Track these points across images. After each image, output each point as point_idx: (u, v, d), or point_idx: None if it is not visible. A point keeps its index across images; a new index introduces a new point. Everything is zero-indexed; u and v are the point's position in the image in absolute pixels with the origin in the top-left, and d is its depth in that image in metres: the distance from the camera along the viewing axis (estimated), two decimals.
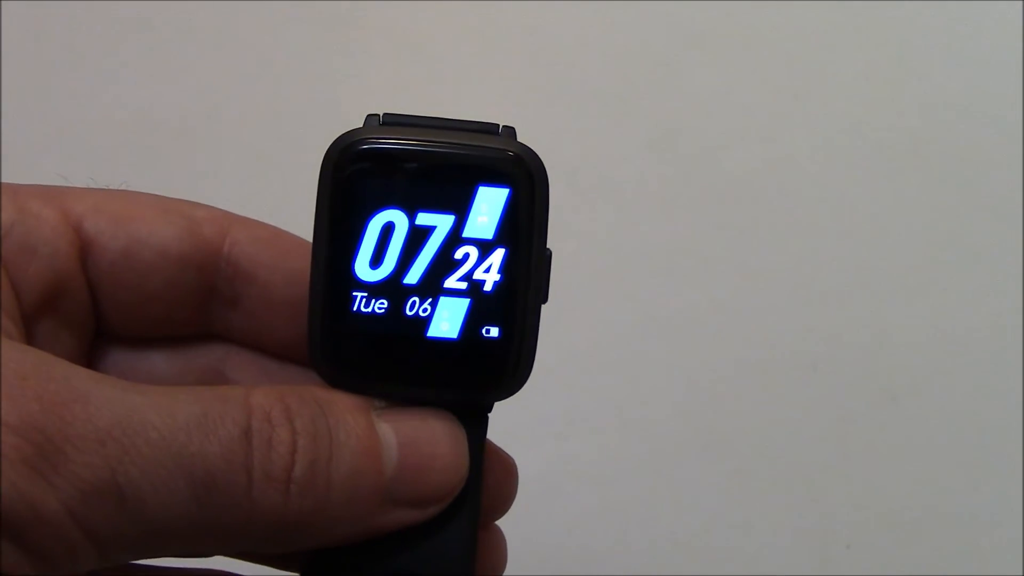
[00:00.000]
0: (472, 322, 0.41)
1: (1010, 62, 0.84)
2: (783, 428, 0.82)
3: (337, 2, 0.87)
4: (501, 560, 0.49)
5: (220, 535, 0.38)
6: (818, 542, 0.81)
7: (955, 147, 0.84)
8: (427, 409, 0.42)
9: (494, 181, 0.41)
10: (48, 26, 0.88)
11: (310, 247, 0.42)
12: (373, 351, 0.42)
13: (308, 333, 0.42)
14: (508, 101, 0.86)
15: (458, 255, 0.41)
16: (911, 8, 0.85)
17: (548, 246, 0.43)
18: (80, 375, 0.37)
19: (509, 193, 0.41)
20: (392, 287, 0.41)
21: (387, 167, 0.41)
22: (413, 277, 0.41)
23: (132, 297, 0.45)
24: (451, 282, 0.41)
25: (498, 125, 0.42)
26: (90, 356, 0.46)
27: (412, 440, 0.41)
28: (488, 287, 0.41)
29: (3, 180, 0.44)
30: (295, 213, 0.45)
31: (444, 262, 0.41)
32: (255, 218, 0.47)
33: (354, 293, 0.41)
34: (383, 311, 0.41)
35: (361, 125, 0.42)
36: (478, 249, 0.41)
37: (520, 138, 0.43)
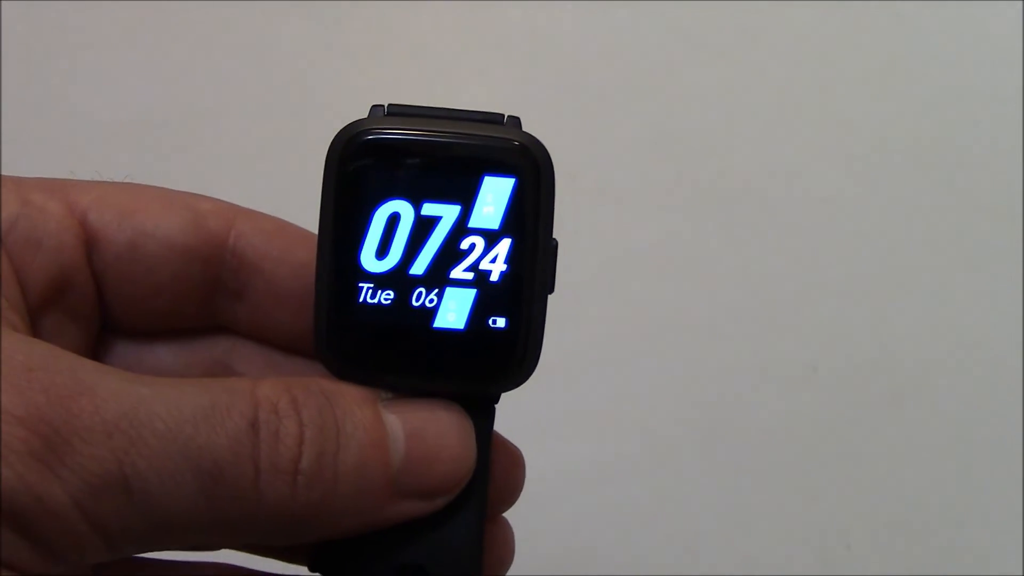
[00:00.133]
0: (479, 313, 0.41)
1: (1010, 62, 0.84)
2: (783, 429, 0.82)
3: (338, 1, 0.87)
4: (509, 552, 0.49)
5: (227, 527, 0.38)
6: (818, 542, 0.81)
7: (955, 147, 0.85)
8: (434, 400, 0.42)
9: (499, 171, 0.41)
10: (48, 26, 0.88)
11: (315, 239, 0.41)
12: (379, 342, 0.41)
13: (314, 325, 0.42)
14: (508, 101, 0.84)
15: (464, 245, 0.41)
16: (911, 8, 0.85)
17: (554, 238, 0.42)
18: (86, 367, 0.37)
19: (515, 183, 0.41)
20: (398, 278, 0.41)
21: (392, 158, 0.41)
22: (419, 268, 0.41)
23: (137, 290, 0.45)
24: (457, 272, 0.41)
25: (503, 115, 0.42)
26: (96, 349, 0.46)
27: (419, 431, 0.41)
28: (495, 277, 0.41)
29: (7, 174, 0.44)
30: (300, 206, 0.45)
31: (450, 252, 0.41)
32: (261, 211, 0.47)
33: (360, 284, 0.41)
34: (389, 302, 0.41)
35: (366, 116, 0.42)
36: (484, 239, 0.41)
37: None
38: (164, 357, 0.47)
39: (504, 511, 0.48)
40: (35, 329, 0.42)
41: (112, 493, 0.35)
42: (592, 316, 0.83)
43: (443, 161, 0.41)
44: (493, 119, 0.42)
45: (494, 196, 0.41)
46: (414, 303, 0.41)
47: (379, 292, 0.41)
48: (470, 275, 0.41)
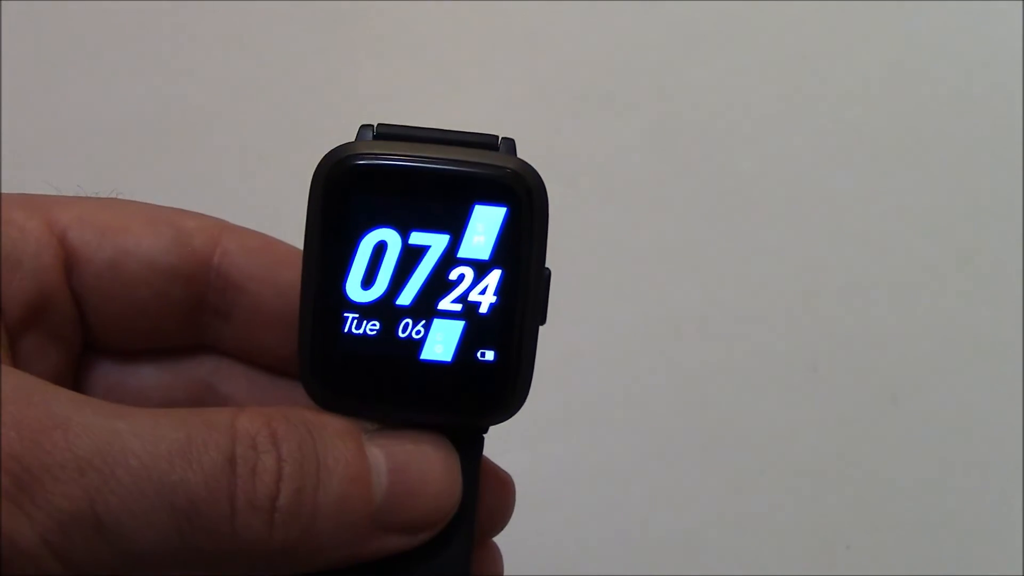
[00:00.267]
0: (467, 345, 0.40)
1: (1010, 62, 0.84)
2: (783, 428, 0.82)
3: (337, 2, 0.87)
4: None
5: (203, 563, 0.37)
6: (818, 542, 0.81)
7: (955, 147, 0.84)
8: (420, 432, 0.41)
9: (490, 199, 0.39)
10: (48, 26, 0.88)
11: (302, 257, 0.41)
12: (364, 373, 0.41)
13: (299, 354, 0.41)
14: (508, 101, 0.85)
15: (453, 276, 0.40)
16: (911, 8, 0.85)
17: (548, 261, 0.42)
18: (61, 399, 0.36)
19: (506, 212, 0.39)
20: (384, 308, 0.40)
21: (379, 185, 0.39)
22: (406, 298, 0.40)
23: (119, 310, 0.44)
24: (445, 304, 0.40)
25: (497, 137, 0.41)
26: (78, 370, 0.45)
27: (403, 465, 0.40)
28: (484, 309, 0.40)
29: (3, 180, 0.43)
30: (295, 215, 0.44)
31: (438, 283, 0.40)
32: (256, 219, 0.47)
33: (345, 314, 0.40)
34: (375, 333, 0.40)
35: (354, 136, 0.41)
36: (473, 270, 0.40)
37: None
38: (148, 377, 0.46)
39: (494, 536, 0.48)
40: (14, 351, 0.41)
41: (83, 531, 0.35)
42: (591, 316, 0.83)
43: (432, 189, 0.40)
44: (486, 142, 0.41)
45: (485, 225, 0.39)
46: (400, 334, 0.40)
47: (365, 323, 0.40)
48: (458, 307, 0.40)
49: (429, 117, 0.43)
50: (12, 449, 0.34)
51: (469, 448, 0.42)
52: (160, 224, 0.44)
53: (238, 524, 0.37)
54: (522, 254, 0.40)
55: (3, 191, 0.43)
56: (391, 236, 0.39)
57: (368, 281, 0.40)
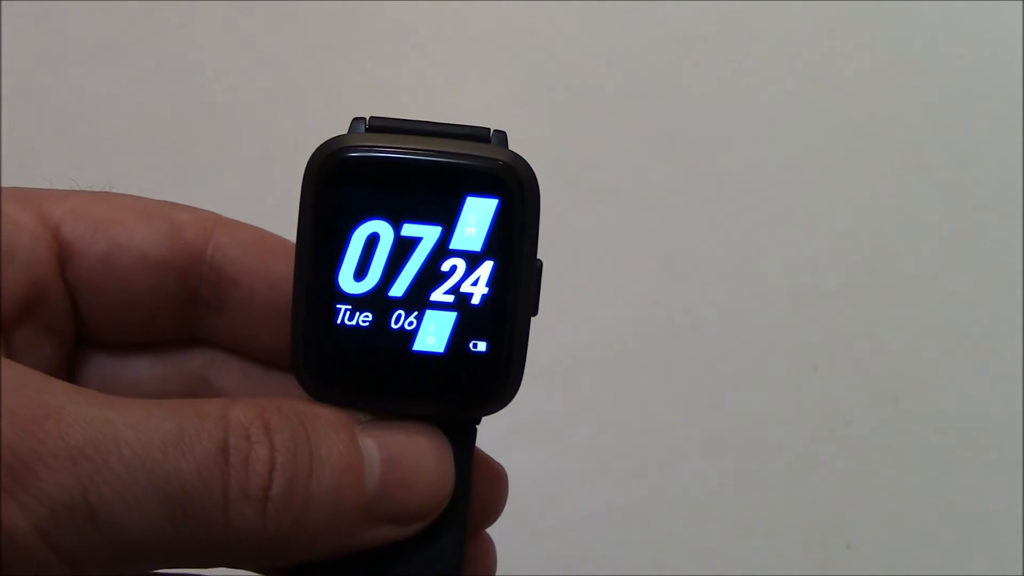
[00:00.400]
0: (459, 336, 0.40)
1: (1010, 62, 0.84)
2: (783, 428, 0.82)
3: (336, 1, 0.87)
4: (491, 568, 0.48)
5: (196, 553, 0.37)
6: (818, 542, 0.81)
7: (955, 147, 0.84)
8: (412, 423, 0.41)
9: (482, 191, 0.39)
10: (46, 25, 0.88)
11: (294, 249, 0.41)
12: (357, 365, 0.41)
13: (291, 346, 0.41)
14: (508, 101, 0.86)
15: (445, 267, 0.40)
16: (911, 8, 0.85)
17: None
18: (54, 390, 0.36)
19: (498, 203, 0.39)
20: (377, 300, 0.40)
21: (372, 177, 0.40)
22: (398, 290, 0.40)
23: (113, 303, 0.44)
24: (437, 295, 0.40)
25: (488, 130, 0.41)
26: (72, 363, 0.45)
27: (396, 456, 0.40)
28: (476, 300, 0.40)
29: (3, 180, 0.43)
30: (289, 208, 0.44)
31: (430, 275, 0.40)
32: (256, 216, 0.46)
33: (338, 306, 0.40)
34: (367, 324, 0.40)
35: (346, 129, 0.41)
36: (466, 261, 0.40)
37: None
38: (141, 370, 0.46)
39: (486, 527, 0.48)
40: (8, 344, 0.41)
41: (76, 520, 0.35)
42: (591, 316, 0.83)
43: (424, 181, 0.40)
44: (478, 135, 0.41)
45: (476, 217, 0.40)
46: (393, 326, 0.40)
47: (357, 314, 0.40)
48: (451, 298, 0.40)
49: (427, 116, 0.43)
50: (5, 439, 0.34)
51: (462, 439, 0.42)
52: (153, 217, 0.44)
53: (231, 513, 0.37)
54: (514, 245, 0.40)
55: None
56: (383, 228, 0.39)
57: (360, 273, 0.40)
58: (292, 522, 0.38)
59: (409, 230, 0.40)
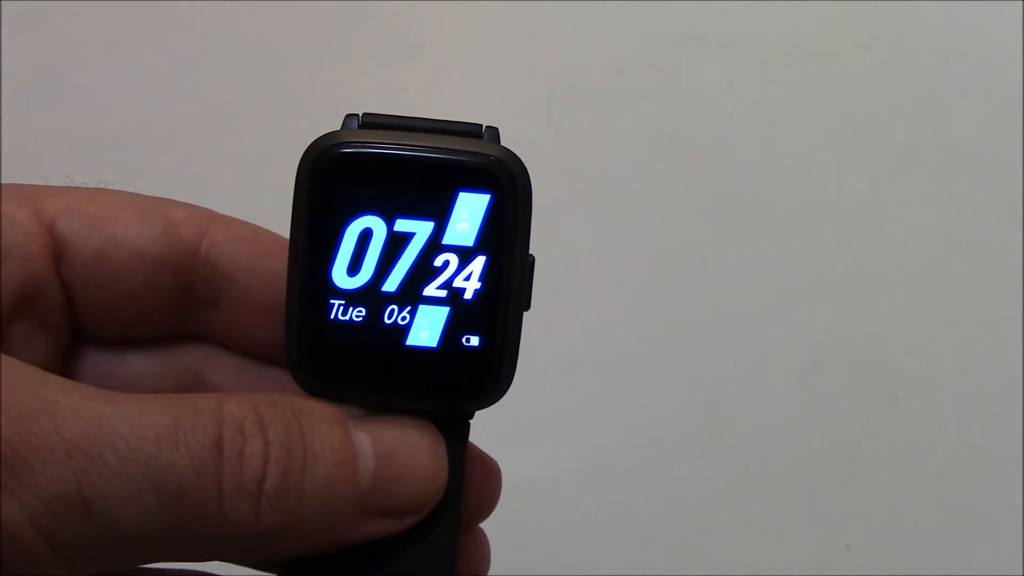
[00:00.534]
0: (452, 331, 0.40)
1: (1010, 62, 0.84)
2: (783, 428, 0.82)
3: (336, 1, 0.87)
4: (484, 562, 0.48)
5: (191, 546, 0.38)
6: (818, 542, 0.81)
7: (955, 147, 0.84)
8: (406, 418, 0.41)
9: (474, 187, 0.40)
10: (45, 25, 0.88)
11: (288, 245, 0.41)
12: (351, 359, 0.41)
13: (285, 341, 0.41)
14: (508, 101, 0.86)
15: (438, 263, 0.40)
16: (911, 8, 0.85)
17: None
18: (50, 384, 0.36)
19: (490, 199, 0.40)
20: (370, 295, 0.40)
21: (364, 172, 0.40)
22: (391, 285, 0.40)
23: (108, 298, 0.44)
24: (430, 290, 0.40)
25: (481, 126, 0.41)
26: (67, 358, 0.45)
27: (389, 450, 0.40)
28: (468, 295, 0.40)
29: (2, 179, 0.43)
30: (283, 205, 0.44)
31: (423, 270, 0.40)
32: (251, 213, 0.47)
33: (331, 301, 0.40)
34: (361, 319, 0.40)
35: (340, 126, 0.41)
36: (458, 256, 0.40)
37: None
38: (136, 366, 0.46)
39: (480, 522, 0.48)
40: (3, 339, 0.42)
41: (71, 513, 0.35)
42: (591, 315, 0.83)
43: (417, 176, 0.40)
44: (471, 131, 0.41)
45: (469, 212, 0.40)
46: (386, 320, 0.40)
47: (351, 309, 0.40)
48: (443, 293, 0.40)
49: (425, 115, 0.43)
50: (1, 432, 0.34)
51: (455, 434, 0.42)
52: (148, 213, 0.44)
53: (225, 507, 0.37)
54: (506, 240, 0.40)
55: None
56: (376, 223, 0.40)
57: (354, 268, 0.40)
58: (286, 516, 0.38)
59: (402, 225, 0.40)
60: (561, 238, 0.80)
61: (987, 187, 0.84)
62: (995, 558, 0.80)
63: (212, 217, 0.45)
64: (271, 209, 0.46)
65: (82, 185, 0.45)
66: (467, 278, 0.40)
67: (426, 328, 0.40)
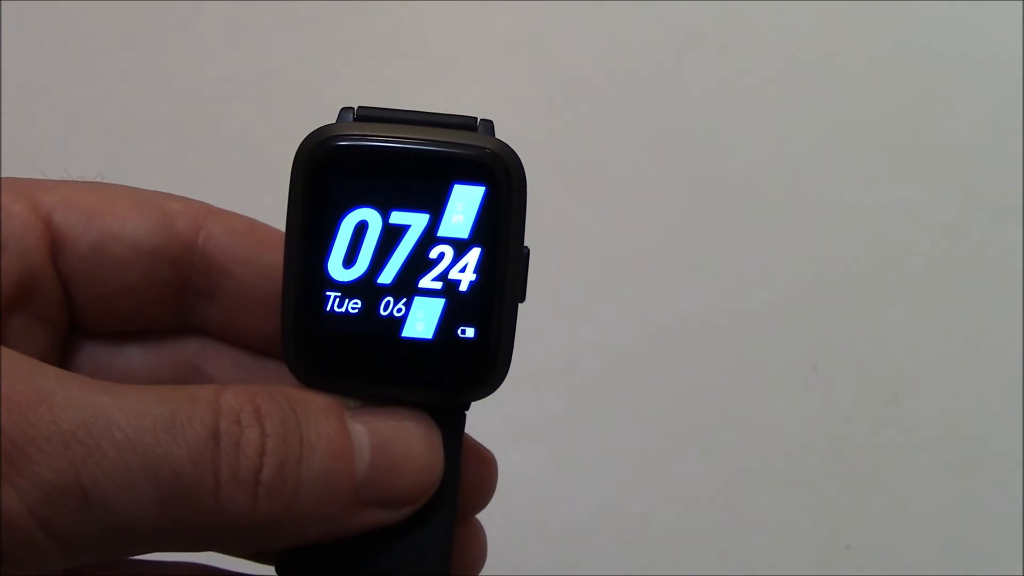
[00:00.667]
0: (447, 322, 0.41)
1: (1010, 62, 0.84)
2: (783, 428, 0.82)
3: (336, 1, 0.87)
4: (481, 553, 0.48)
5: (187, 536, 0.38)
6: (818, 542, 0.80)
7: (955, 147, 0.84)
8: (402, 409, 0.41)
9: (469, 179, 0.40)
10: (43, 24, 0.88)
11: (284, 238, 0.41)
12: (347, 351, 0.41)
13: (281, 333, 0.41)
14: (508, 101, 0.86)
15: (433, 255, 0.40)
16: (911, 8, 0.85)
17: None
18: (47, 375, 0.36)
19: (485, 191, 0.40)
20: (366, 287, 0.40)
21: (360, 165, 0.40)
22: (387, 277, 0.40)
23: (105, 291, 0.44)
24: (426, 282, 0.40)
25: (476, 119, 0.42)
26: (65, 351, 0.45)
27: (385, 441, 0.40)
28: (464, 287, 0.40)
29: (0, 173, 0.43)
30: (280, 199, 0.44)
31: (419, 262, 0.40)
32: (250, 207, 0.47)
33: (327, 293, 0.40)
34: (357, 311, 0.40)
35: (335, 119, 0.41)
36: (453, 248, 0.40)
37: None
38: (133, 359, 0.46)
39: (476, 513, 0.48)
40: (1, 332, 0.42)
41: (69, 503, 0.35)
42: (591, 315, 0.83)
43: (412, 169, 0.40)
44: (466, 124, 0.41)
45: (464, 205, 0.40)
46: (382, 312, 0.40)
47: (346, 301, 0.40)
48: (439, 285, 0.40)
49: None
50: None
51: (451, 425, 0.42)
52: (145, 206, 0.44)
53: (222, 497, 0.37)
54: (501, 232, 0.40)
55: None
56: (372, 216, 0.40)
57: (349, 260, 0.40)
58: (283, 506, 0.38)
59: (397, 218, 0.40)
60: (561, 238, 0.80)
61: (987, 187, 0.84)
62: (995, 558, 0.80)
63: (208, 210, 0.45)
64: (268, 202, 0.46)
65: (79, 179, 0.45)
66: (462, 270, 0.40)
67: (422, 320, 0.41)
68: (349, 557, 0.42)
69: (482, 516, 0.48)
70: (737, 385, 0.82)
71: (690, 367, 0.83)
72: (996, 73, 0.85)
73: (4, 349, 0.37)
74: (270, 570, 0.45)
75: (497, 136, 0.41)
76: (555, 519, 0.80)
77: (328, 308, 0.40)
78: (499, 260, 0.40)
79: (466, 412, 0.43)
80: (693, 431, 0.82)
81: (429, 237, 0.40)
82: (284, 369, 0.42)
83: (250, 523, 0.38)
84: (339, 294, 0.40)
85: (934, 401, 0.82)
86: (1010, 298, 0.82)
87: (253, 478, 0.37)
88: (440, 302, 0.40)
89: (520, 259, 0.41)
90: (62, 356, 0.45)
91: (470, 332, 0.41)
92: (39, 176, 0.45)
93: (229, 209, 0.47)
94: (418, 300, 0.40)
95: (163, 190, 0.46)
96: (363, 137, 0.40)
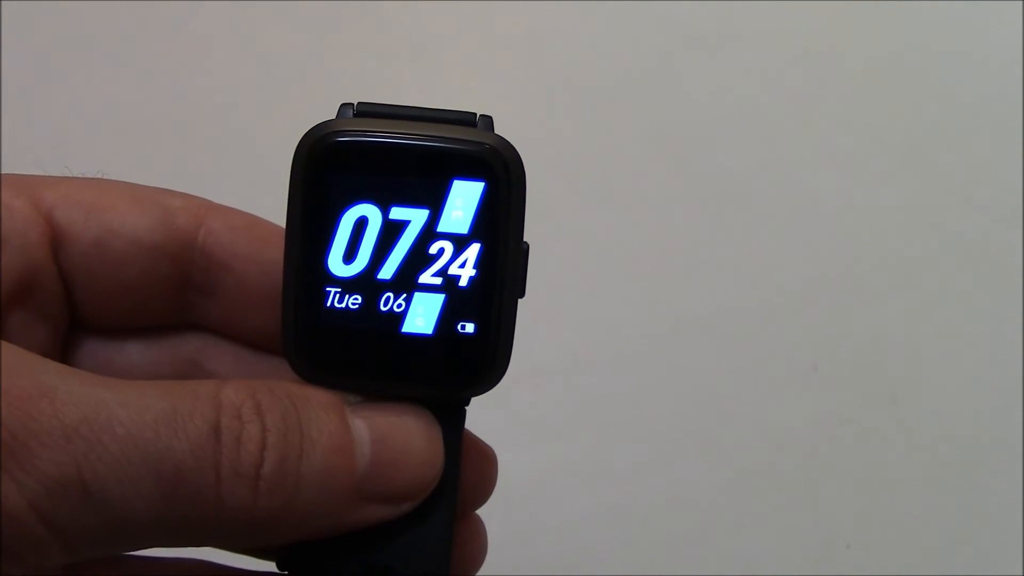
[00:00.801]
0: (447, 318, 0.41)
1: (1010, 62, 0.84)
2: (783, 428, 0.82)
3: (336, 1, 0.87)
4: (481, 549, 0.49)
5: (189, 531, 0.38)
6: (818, 542, 0.80)
7: (955, 147, 0.84)
8: (402, 404, 0.41)
9: (469, 174, 0.40)
10: (42, 24, 0.88)
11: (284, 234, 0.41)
12: (347, 347, 0.41)
13: (282, 328, 0.41)
14: (509, 100, 0.86)
15: (433, 250, 0.40)
16: (912, 8, 0.85)
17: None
18: (49, 369, 0.36)
19: (484, 187, 0.40)
20: (366, 282, 0.40)
21: (359, 161, 0.40)
22: (387, 272, 0.40)
23: (106, 287, 0.44)
24: (426, 277, 0.40)
25: (475, 114, 0.42)
26: (65, 347, 0.45)
27: (385, 436, 0.40)
28: (463, 282, 0.40)
29: (1, 170, 0.43)
30: (280, 195, 0.44)
31: (418, 257, 0.40)
32: (250, 203, 0.47)
33: (327, 288, 0.40)
34: (357, 307, 0.41)
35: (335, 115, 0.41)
36: (453, 244, 0.40)
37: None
38: (134, 355, 0.46)
39: (476, 509, 0.48)
40: (2, 328, 0.42)
41: (70, 497, 0.35)
42: (591, 315, 0.83)
43: (411, 164, 0.40)
44: (465, 119, 0.41)
45: (463, 200, 0.40)
46: (382, 308, 0.41)
47: (347, 296, 0.40)
48: (438, 280, 0.40)
49: None
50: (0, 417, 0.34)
51: (451, 420, 0.42)
52: (145, 203, 0.44)
53: (223, 492, 0.37)
54: (500, 228, 0.40)
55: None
56: (371, 211, 0.40)
57: (350, 256, 0.40)
58: (283, 501, 0.38)
59: (397, 213, 0.40)
60: (561, 238, 0.80)
61: (987, 187, 0.84)
62: (995, 558, 0.80)
63: (209, 206, 0.46)
64: (268, 198, 0.46)
65: (80, 175, 0.45)
66: (462, 265, 0.40)
67: (421, 315, 0.41)
68: (349, 552, 0.42)
69: (482, 513, 0.48)
70: (737, 385, 0.82)
71: (690, 366, 0.83)
72: (996, 73, 0.85)
73: (5, 344, 0.37)
74: (270, 566, 0.45)
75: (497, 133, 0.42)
76: (555, 517, 0.80)
77: (328, 304, 0.41)
78: (499, 256, 0.40)
79: (466, 408, 0.43)
80: (693, 431, 0.82)
81: (429, 233, 0.40)
82: (284, 365, 0.42)
83: (251, 518, 0.38)
84: (339, 290, 0.40)
85: (934, 401, 0.82)
86: (1010, 298, 0.82)
87: (254, 473, 0.37)
88: (440, 297, 0.41)
89: (520, 255, 0.41)
90: (63, 352, 0.45)
91: (470, 327, 0.41)
92: (40, 172, 0.45)
93: (228, 203, 0.47)
94: (418, 296, 0.41)
95: (162, 185, 0.46)
96: (363, 133, 0.40)
